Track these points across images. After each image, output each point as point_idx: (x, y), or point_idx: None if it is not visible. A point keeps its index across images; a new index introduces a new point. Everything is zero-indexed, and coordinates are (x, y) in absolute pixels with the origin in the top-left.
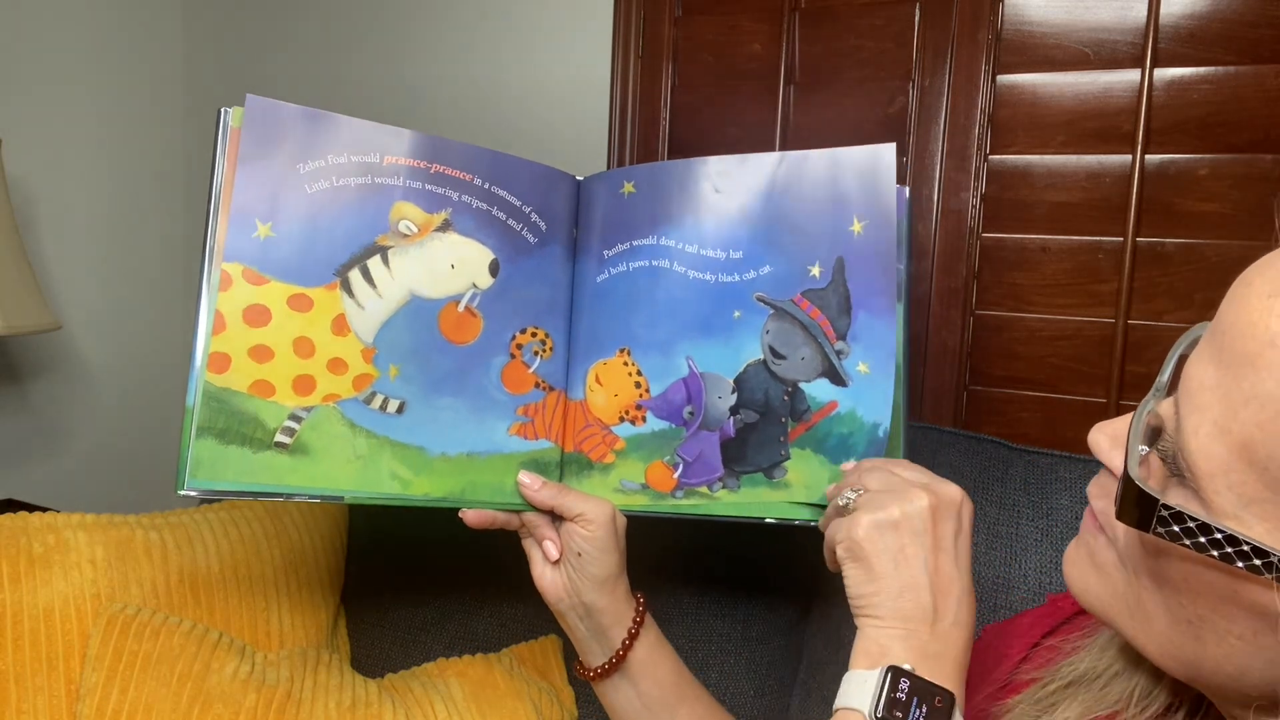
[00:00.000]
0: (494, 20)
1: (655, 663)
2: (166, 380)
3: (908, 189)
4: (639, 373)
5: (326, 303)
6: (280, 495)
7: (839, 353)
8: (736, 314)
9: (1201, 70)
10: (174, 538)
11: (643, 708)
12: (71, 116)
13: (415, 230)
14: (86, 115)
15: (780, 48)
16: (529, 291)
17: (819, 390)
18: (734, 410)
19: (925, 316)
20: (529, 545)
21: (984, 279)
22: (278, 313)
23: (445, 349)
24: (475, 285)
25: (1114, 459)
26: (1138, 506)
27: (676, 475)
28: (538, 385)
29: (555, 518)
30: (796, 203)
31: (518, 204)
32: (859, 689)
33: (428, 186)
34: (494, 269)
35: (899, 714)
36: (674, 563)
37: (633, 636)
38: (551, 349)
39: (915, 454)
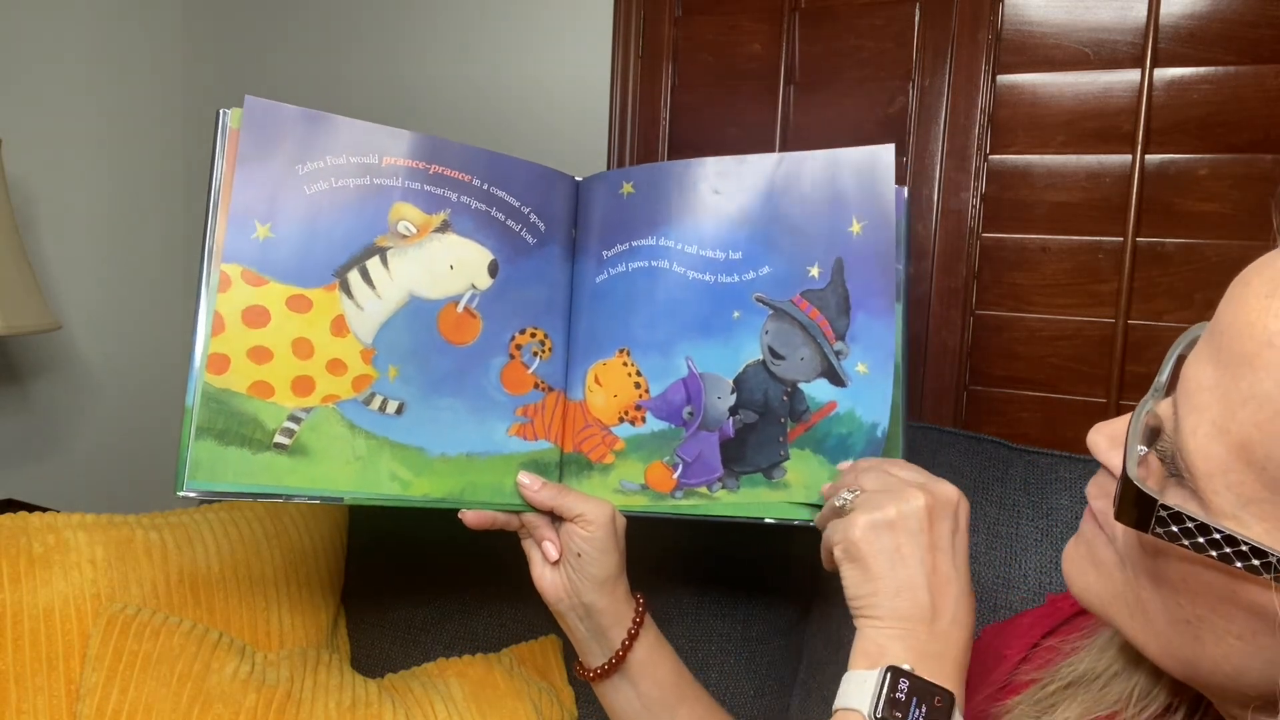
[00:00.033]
0: (494, 20)
1: (655, 663)
2: (166, 380)
3: (906, 189)
4: (638, 373)
5: (325, 304)
6: (279, 496)
7: (838, 353)
8: (736, 314)
9: (1201, 70)
10: (174, 538)
11: (642, 708)
12: (71, 116)
13: (414, 231)
14: (86, 115)
15: (780, 48)
16: (528, 292)
17: (818, 390)
18: (733, 411)
19: (925, 316)
20: (529, 546)
21: (984, 279)
22: (277, 314)
23: (444, 350)
24: (474, 286)
25: (1113, 459)
26: (1136, 506)
27: (676, 475)
28: (537, 386)
29: (555, 518)
30: (795, 203)
31: (516, 204)
32: (858, 689)
33: (426, 187)
34: (493, 270)
35: (898, 714)
36: (674, 563)
37: (632, 637)
38: (551, 349)
39: (915, 454)
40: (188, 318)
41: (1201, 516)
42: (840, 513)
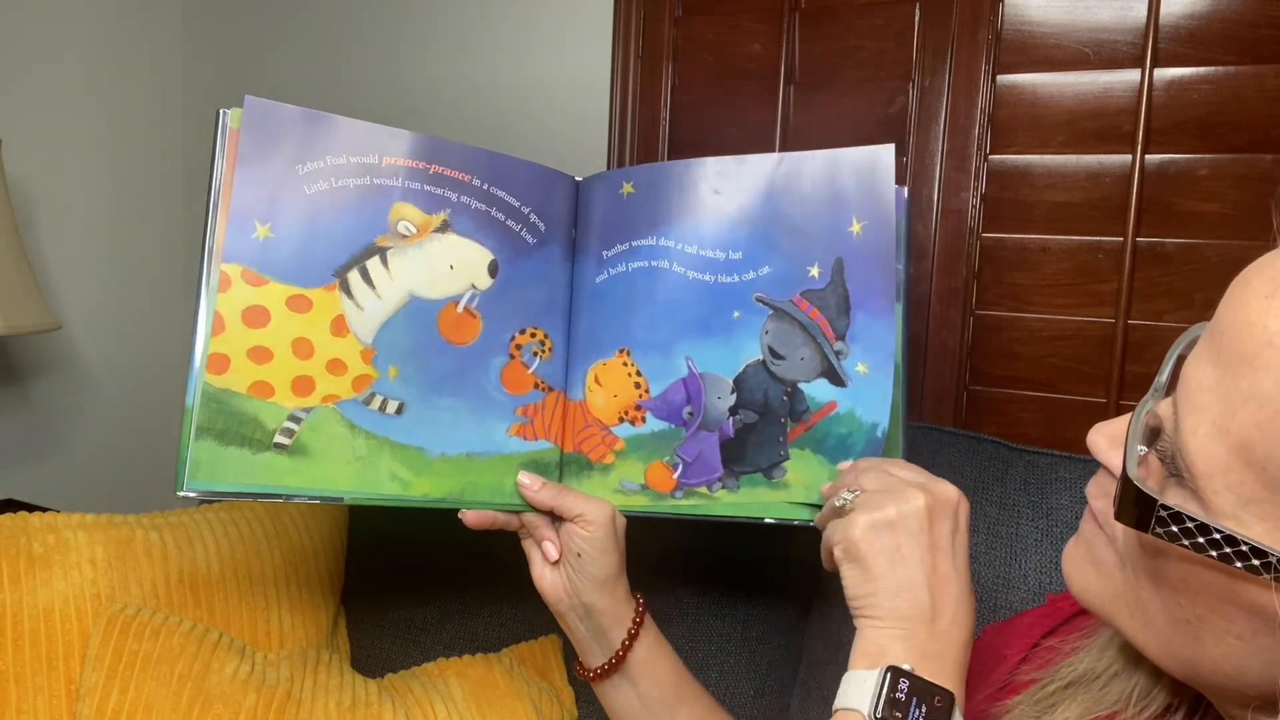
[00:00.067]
0: (494, 20)
1: (655, 663)
2: (166, 380)
3: (906, 189)
4: (638, 373)
5: (325, 304)
6: (279, 496)
7: (838, 353)
8: (736, 314)
9: (1201, 70)
10: (174, 538)
11: (642, 708)
12: (71, 116)
13: (414, 231)
14: (86, 115)
15: (780, 48)
16: (528, 292)
17: (818, 390)
18: (733, 410)
19: (925, 316)
20: (528, 546)
21: (984, 279)
22: (277, 314)
23: (444, 350)
24: (474, 286)
25: (1113, 459)
26: (1136, 506)
27: (676, 476)
28: (537, 386)
29: (555, 518)
30: (795, 203)
31: (516, 204)
32: (858, 689)
33: (426, 187)
34: (493, 270)
35: (898, 714)
36: (674, 563)
37: (632, 637)
38: (550, 349)
39: (915, 454)
40: (188, 318)
41: (1201, 516)
42: (840, 513)
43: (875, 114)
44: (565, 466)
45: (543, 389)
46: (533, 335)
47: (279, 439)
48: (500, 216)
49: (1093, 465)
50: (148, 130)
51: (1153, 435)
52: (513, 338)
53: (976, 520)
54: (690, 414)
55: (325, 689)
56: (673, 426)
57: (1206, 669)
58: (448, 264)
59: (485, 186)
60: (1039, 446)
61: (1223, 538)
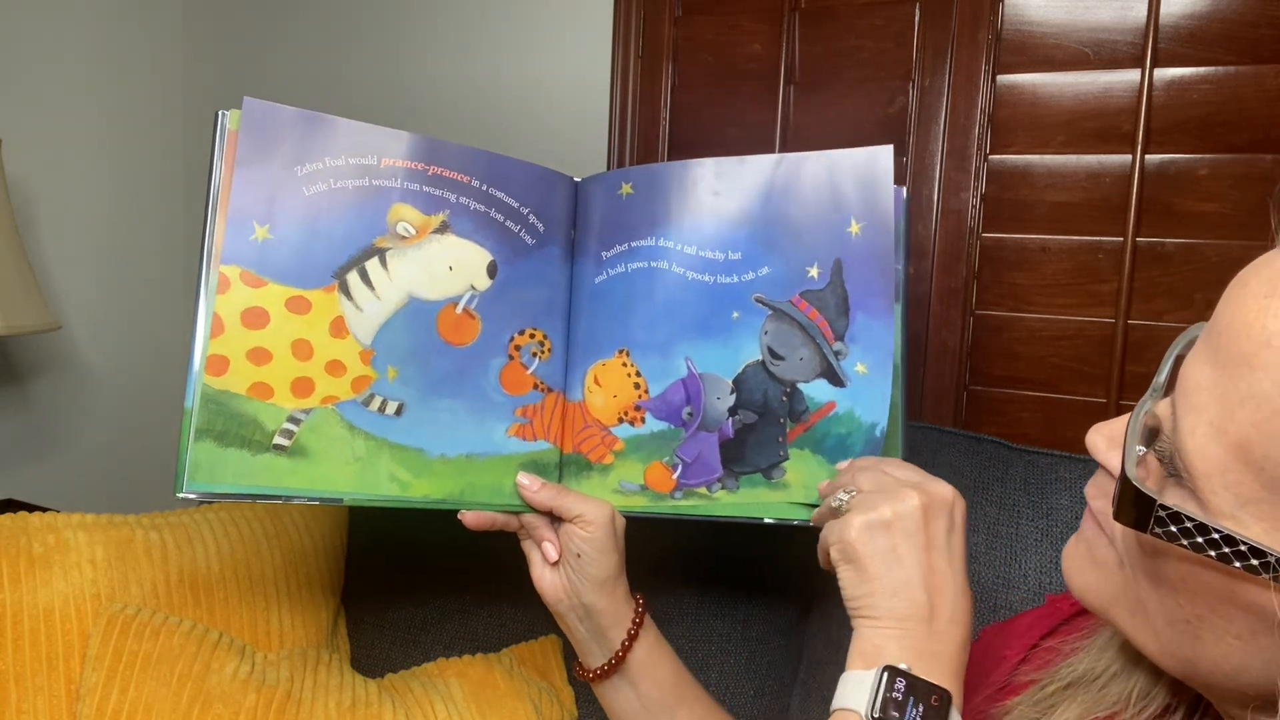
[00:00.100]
0: (493, 20)
1: (654, 664)
2: (166, 380)
3: (905, 189)
4: (638, 374)
5: (325, 305)
6: (279, 497)
7: (837, 353)
8: (735, 315)
9: (1201, 70)
10: (174, 538)
11: (642, 709)
12: (71, 116)
13: (413, 232)
14: (86, 115)
15: (780, 48)
16: (527, 293)
17: (817, 391)
18: (733, 411)
19: (925, 316)
20: (528, 547)
21: (984, 279)
22: (276, 315)
23: (444, 351)
24: (473, 287)
25: (1111, 459)
26: (1135, 506)
27: (675, 476)
28: (536, 386)
29: (554, 519)
30: (795, 204)
31: (515, 205)
32: (855, 689)
33: (425, 188)
34: (492, 271)
35: (895, 714)
36: (673, 563)
37: (632, 638)
38: (550, 350)
39: (915, 454)
40: (188, 317)
41: (1200, 516)
42: (836, 513)
43: (875, 114)
44: (565, 467)
45: (542, 390)
46: (532, 336)
47: (278, 440)
48: (499, 217)
49: (1093, 465)
50: (148, 130)
51: (1151, 435)
52: (512, 338)
53: (976, 520)
54: (690, 414)
55: (325, 689)
56: (672, 427)
57: (1205, 669)
58: (447, 265)
59: (484, 187)
60: (1039, 446)
61: (1221, 538)
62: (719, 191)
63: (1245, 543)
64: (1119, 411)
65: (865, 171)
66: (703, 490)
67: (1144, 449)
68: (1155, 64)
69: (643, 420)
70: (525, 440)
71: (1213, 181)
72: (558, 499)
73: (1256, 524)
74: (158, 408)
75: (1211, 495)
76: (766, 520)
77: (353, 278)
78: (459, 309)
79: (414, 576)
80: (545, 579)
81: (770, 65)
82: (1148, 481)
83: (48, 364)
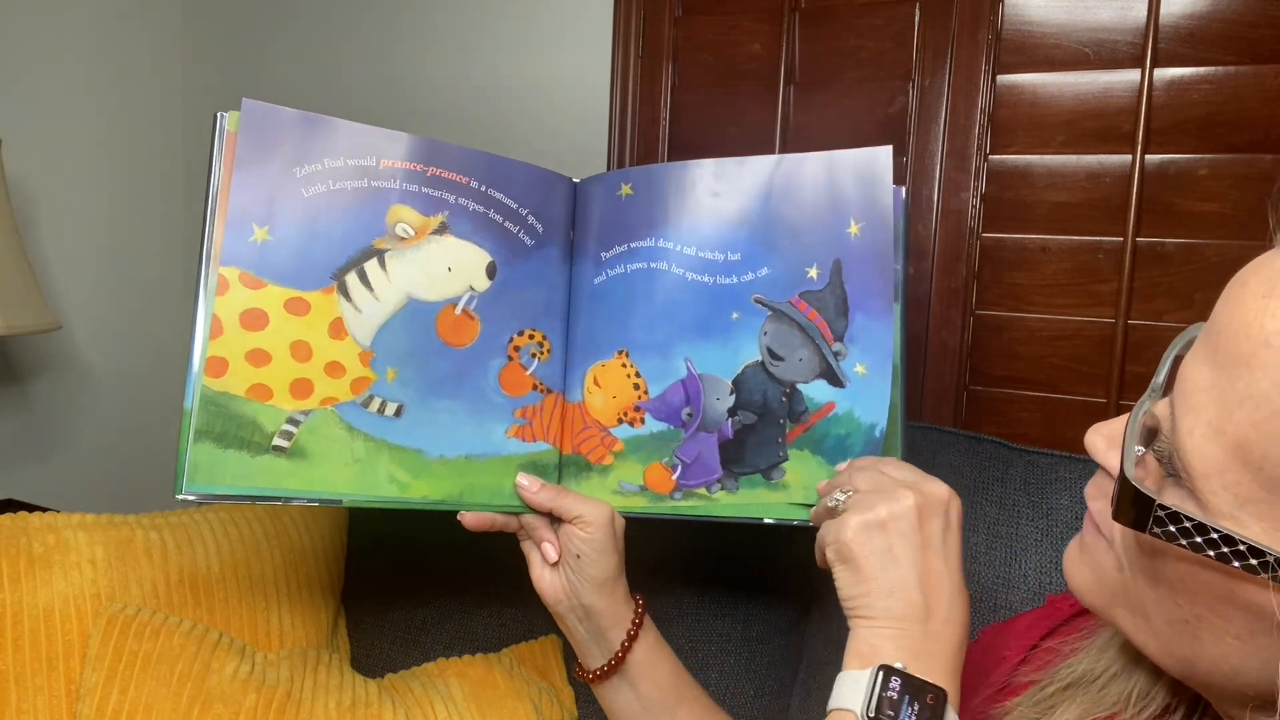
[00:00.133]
0: (493, 21)
1: (654, 664)
2: (166, 380)
3: (904, 189)
4: (637, 374)
5: (324, 306)
6: (278, 499)
7: (836, 354)
8: (734, 316)
9: (1201, 70)
10: (174, 538)
11: (642, 709)
12: (71, 116)
13: (412, 233)
14: (86, 115)
15: (780, 48)
16: (526, 294)
17: (816, 391)
18: (732, 412)
19: (925, 316)
20: (528, 547)
21: (984, 279)
22: (275, 316)
23: (443, 352)
24: (472, 288)
25: (1110, 460)
26: (1134, 507)
27: (675, 477)
28: (535, 387)
29: (554, 520)
30: (794, 205)
31: (514, 206)
32: (851, 689)
33: (424, 189)
34: (491, 271)
35: (890, 713)
36: (673, 564)
37: (631, 638)
38: (549, 351)
39: (915, 454)
40: (188, 317)
41: (1199, 516)
42: (833, 513)
43: (875, 114)
44: (564, 468)
45: (541, 390)
46: (531, 337)
47: (278, 441)
48: (498, 218)
49: (1093, 465)
50: (148, 130)
51: (1150, 435)
52: (511, 339)
53: (976, 520)
54: (689, 415)
55: (325, 689)
56: (671, 428)
57: (1205, 668)
58: (446, 266)
59: (483, 188)
60: (1039, 446)
61: (1220, 537)
62: (718, 192)
63: (1244, 542)
64: (1119, 411)
65: (864, 172)
66: (702, 491)
67: (1143, 449)
68: (1155, 64)
69: (642, 421)
70: (524, 441)
71: (1213, 181)
72: (557, 500)
73: (1255, 524)
74: (158, 408)
75: (1210, 495)
76: (766, 521)
77: (351, 279)
78: (458, 310)
79: (414, 577)
80: (545, 580)
81: (770, 65)
82: (1146, 481)
83: (48, 364)
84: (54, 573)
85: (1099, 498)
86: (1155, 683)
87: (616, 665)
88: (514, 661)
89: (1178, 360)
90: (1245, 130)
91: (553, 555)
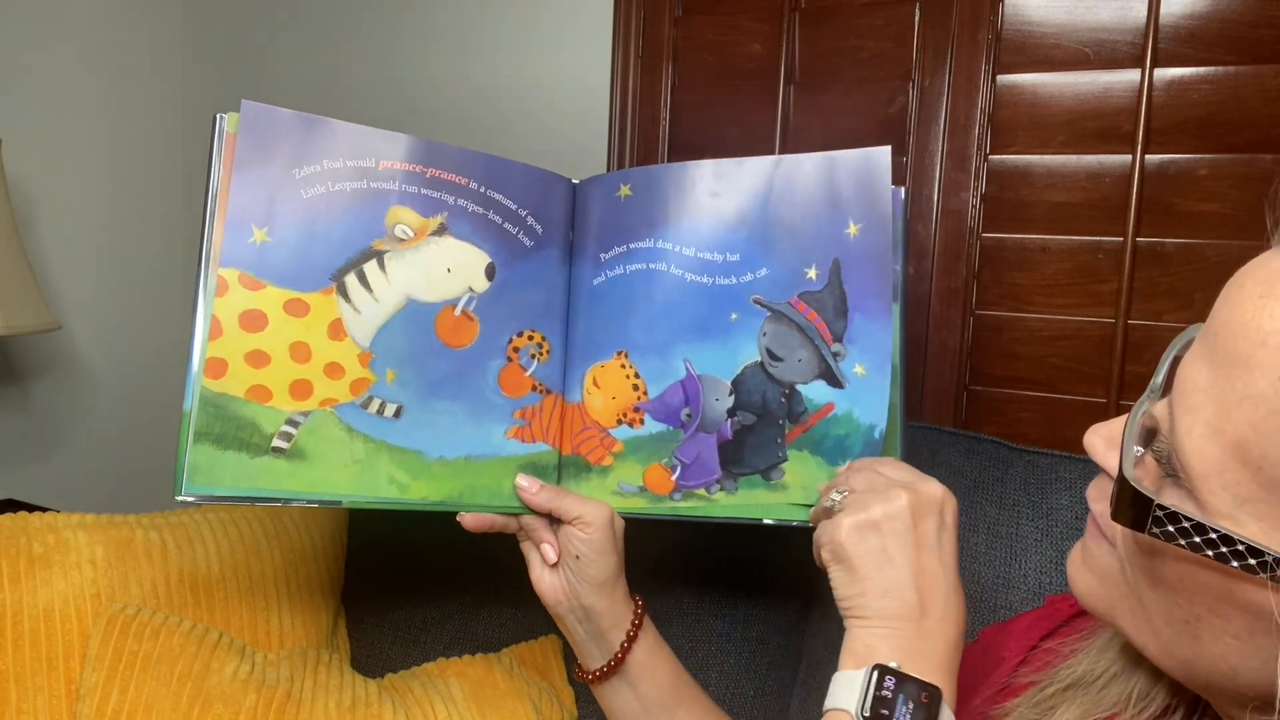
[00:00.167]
0: (493, 21)
1: (654, 665)
2: (166, 380)
3: (903, 190)
4: (636, 375)
5: (323, 307)
6: (278, 500)
7: (835, 355)
8: (733, 316)
9: (1201, 70)
10: (174, 538)
11: (641, 710)
12: (71, 116)
13: (411, 234)
14: (86, 115)
15: (780, 48)
16: (525, 295)
17: (816, 392)
18: (731, 412)
19: (925, 316)
20: (527, 548)
21: (984, 279)
22: (274, 318)
23: (442, 353)
24: (471, 289)
25: (1109, 460)
26: (1133, 507)
27: (674, 477)
28: (535, 388)
29: (553, 520)
30: (793, 206)
31: (513, 207)
32: (846, 689)
33: (423, 191)
34: (490, 272)
35: (885, 712)
36: (673, 564)
37: (631, 639)
38: (548, 352)
39: (915, 454)
40: (188, 317)
41: (1198, 516)
42: (830, 513)
43: (875, 114)
44: (563, 469)
45: (540, 391)
46: (530, 338)
47: (277, 443)
48: (497, 219)
49: (1092, 466)
50: (148, 130)
51: (1149, 436)
52: (510, 340)
53: (976, 520)
54: (688, 416)
55: (325, 689)
56: (671, 428)
57: (1204, 669)
58: (445, 267)
59: (482, 189)
60: (1039, 446)
61: (1219, 537)
62: (717, 193)
63: (1243, 542)
64: (1119, 411)
65: (863, 172)
66: (701, 491)
67: (1142, 449)
68: (1155, 64)
69: (641, 422)
70: (524, 442)
71: (1213, 181)
72: (556, 501)
73: (1254, 523)
74: (157, 408)
75: (1209, 495)
76: (766, 521)
77: (351, 280)
78: (457, 311)
79: (414, 577)
80: (544, 581)
81: (770, 65)
82: (1145, 482)
83: (48, 364)
84: (54, 573)
85: (1100, 500)
86: (1155, 683)
87: (616, 666)
88: (514, 661)
89: (1176, 361)
90: (1245, 130)
91: (552, 556)
